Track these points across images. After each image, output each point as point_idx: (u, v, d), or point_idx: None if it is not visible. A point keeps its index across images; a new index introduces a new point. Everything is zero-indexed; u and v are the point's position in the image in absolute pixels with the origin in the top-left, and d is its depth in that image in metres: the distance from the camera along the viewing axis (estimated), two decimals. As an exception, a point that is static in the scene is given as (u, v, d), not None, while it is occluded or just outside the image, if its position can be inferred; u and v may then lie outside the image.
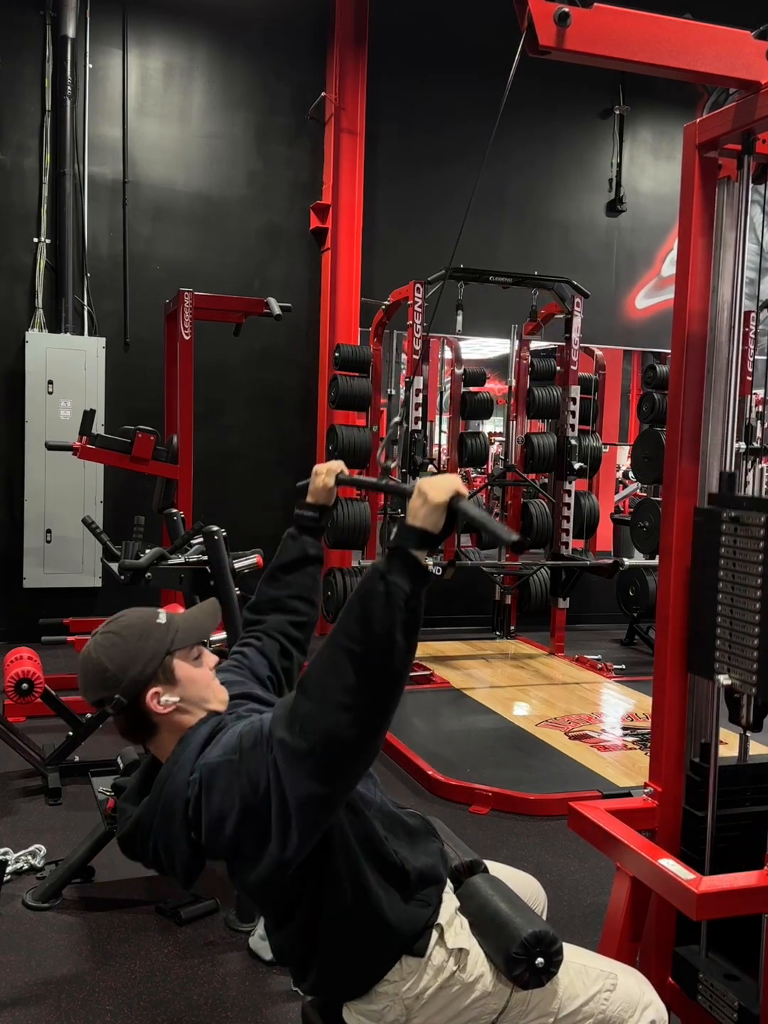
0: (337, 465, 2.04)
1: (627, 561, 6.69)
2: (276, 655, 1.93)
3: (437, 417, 8.38)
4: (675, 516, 2.23)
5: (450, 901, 1.74)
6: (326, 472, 2.02)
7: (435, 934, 1.68)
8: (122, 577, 3.83)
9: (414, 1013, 1.65)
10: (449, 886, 1.78)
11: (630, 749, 4.73)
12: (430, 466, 7.43)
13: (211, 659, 1.71)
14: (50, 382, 6.70)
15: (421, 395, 6.21)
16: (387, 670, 1.40)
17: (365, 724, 1.41)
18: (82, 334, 6.90)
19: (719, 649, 2.11)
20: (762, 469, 2.10)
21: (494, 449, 8.95)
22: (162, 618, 1.67)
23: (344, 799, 1.53)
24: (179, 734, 1.62)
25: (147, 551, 3.77)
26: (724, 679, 2.08)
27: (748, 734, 2.33)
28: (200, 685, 1.66)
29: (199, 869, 1.60)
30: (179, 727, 1.63)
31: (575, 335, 6.62)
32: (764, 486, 2.23)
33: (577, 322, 6.59)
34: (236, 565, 3.61)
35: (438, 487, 1.45)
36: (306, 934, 1.62)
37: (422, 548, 1.44)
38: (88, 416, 5.44)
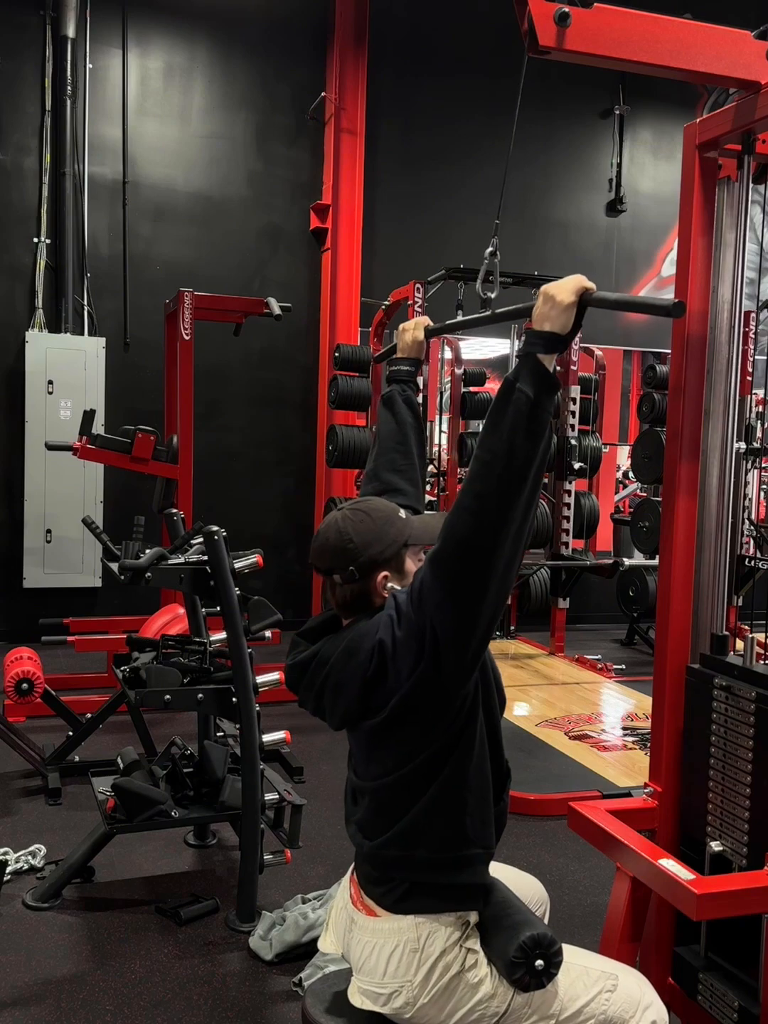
0: (424, 319, 2.14)
1: (627, 561, 6.69)
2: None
3: (437, 417, 8.38)
4: (675, 516, 2.23)
5: (476, 912, 1.75)
6: (414, 327, 2.13)
7: (461, 931, 1.69)
8: (122, 577, 3.82)
9: (418, 1005, 1.66)
10: None
11: (630, 749, 4.73)
12: (430, 466, 7.44)
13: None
14: (50, 382, 6.70)
15: (421, 395, 6.21)
16: (509, 475, 1.45)
17: (489, 528, 1.46)
18: (82, 334, 6.90)
19: (711, 815, 2.11)
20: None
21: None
22: (403, 513, 1.75)
23: (482, 621, 1.55)
24: None
25: (147, 551, 3.77)
26: (716, 845, 2.09)
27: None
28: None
29: (358, 719, 1.66)
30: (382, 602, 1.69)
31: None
32: (763, 487, 2.21)
33: (577, 322, 6.59)
34: (236, 565, 3.60)
35: (565, 288, 1.48)
36: (415, 787, 1.66)
37: (552, 351, 1.48)
38: (88, 416, 5.44)
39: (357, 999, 1.69)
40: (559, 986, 1.69)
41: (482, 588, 1.51)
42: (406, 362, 2.14)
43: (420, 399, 2.15)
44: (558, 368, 6.80)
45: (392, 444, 2.08)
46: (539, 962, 1.62)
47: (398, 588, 1.69)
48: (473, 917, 1.72)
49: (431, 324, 2.10)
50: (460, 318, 2.02)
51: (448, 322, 2.16)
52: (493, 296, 1.88)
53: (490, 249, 2.05)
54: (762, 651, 5.79)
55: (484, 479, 1.47)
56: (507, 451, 1.45)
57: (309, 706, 1.74)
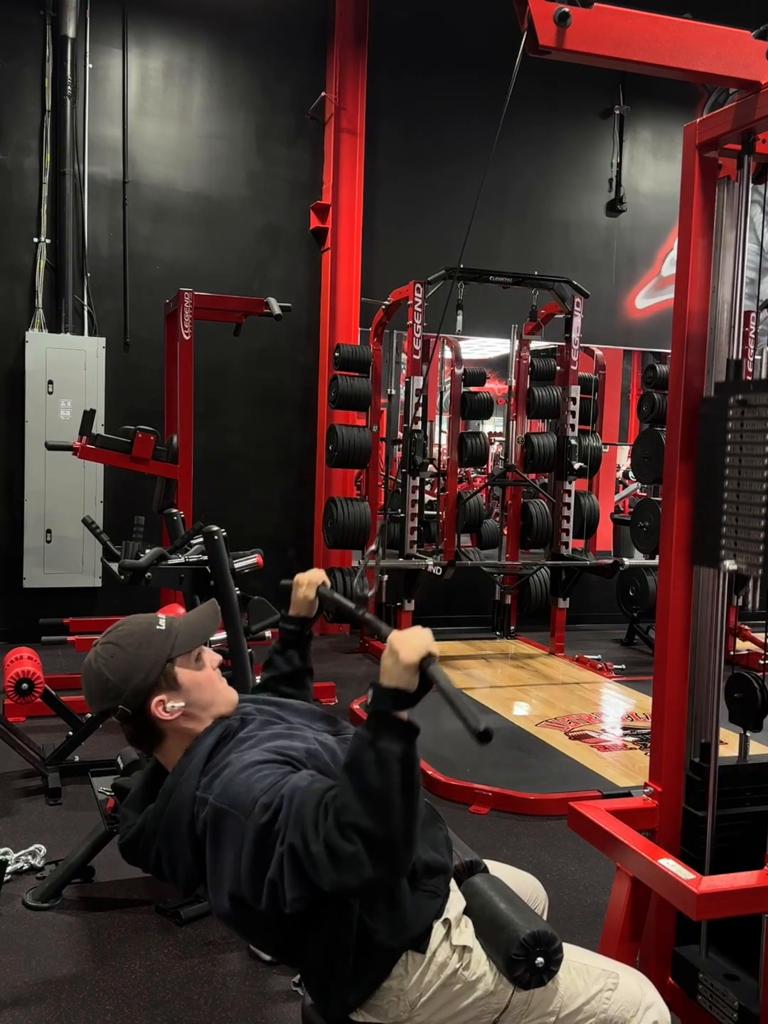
0: (319, 576, 2.01)
1: (627, 561, 6.69)
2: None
3: (437, 417, 8.39)
4: (675, 516, 2.23)
5: (459, 899, 1.74)
6: (307, 585, 1.99)
7: (443, 930, 1.67)
8: (122, 577, 3.83)
9: (416, 1009, 1.65)
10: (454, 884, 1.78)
11: (630, 749, 4.73)
12: (430, 466, 7.44)
13: (213, 658, 1.71)
14: (50, 382, 6.70)
15: (421, 395, 6.21)
16: (392, 835, 1.38)
17: (375, 880, 1.40)
18: (82, 334, 6.90)
19: (725, 536, 2.10)
20: None
21: (494, 449, 8.96)
22: (161, 624, 1.66)
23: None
24: (186, 741, 1.62)
25: (147, 551, 3.77)
26: (730, 564, 2.08)
27: (748, 734, 2.33)
28: (205, 688, 1.65)
29: (200, 880, 1.61)
30: (186, 734, 1.63)
31: (575, 335, 6.62)
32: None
33: (577, 322, 6.60)
34: (236, 565, 3.61)
35: (410, 646, 1.42)
36: (309, 943, 1.61)
37: (401, 708, 1.42)
38: (88, 416, 5.44)
39: (357, 1014, 1.69)
40: (559, 984, 1.69)
41: (346, 891, 1.45)
42: (292, 622, 2.02)
43: (306, 662, 2.03)
44: (558, 368, 6.81)
45: (259, 691, 2.02)
46: (539, 959, 1.62)
47: (179, 705, 1.61)
48: (452, 911, 1.70)
49: (326, 584, 1.99)
50: (342, 600, 1.94)
51: (335, 597, 1.97)
52: (369, 594, 1.82)
53: (372, 548, 1.95)
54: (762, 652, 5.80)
55: (367, 843, 1.37)
56: (386, 812, 1.37)
57: (160, 878, 1.67)
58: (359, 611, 1.82)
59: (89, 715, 4.23)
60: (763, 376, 2.00)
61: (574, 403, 6.64)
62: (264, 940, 1.68)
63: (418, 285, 6.13)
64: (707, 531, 2.17)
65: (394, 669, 1.43)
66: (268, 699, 1.82)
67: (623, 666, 6.45)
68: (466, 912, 1.73)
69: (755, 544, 2.01)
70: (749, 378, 2.13)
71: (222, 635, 3.52)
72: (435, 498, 7.94)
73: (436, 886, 1.68)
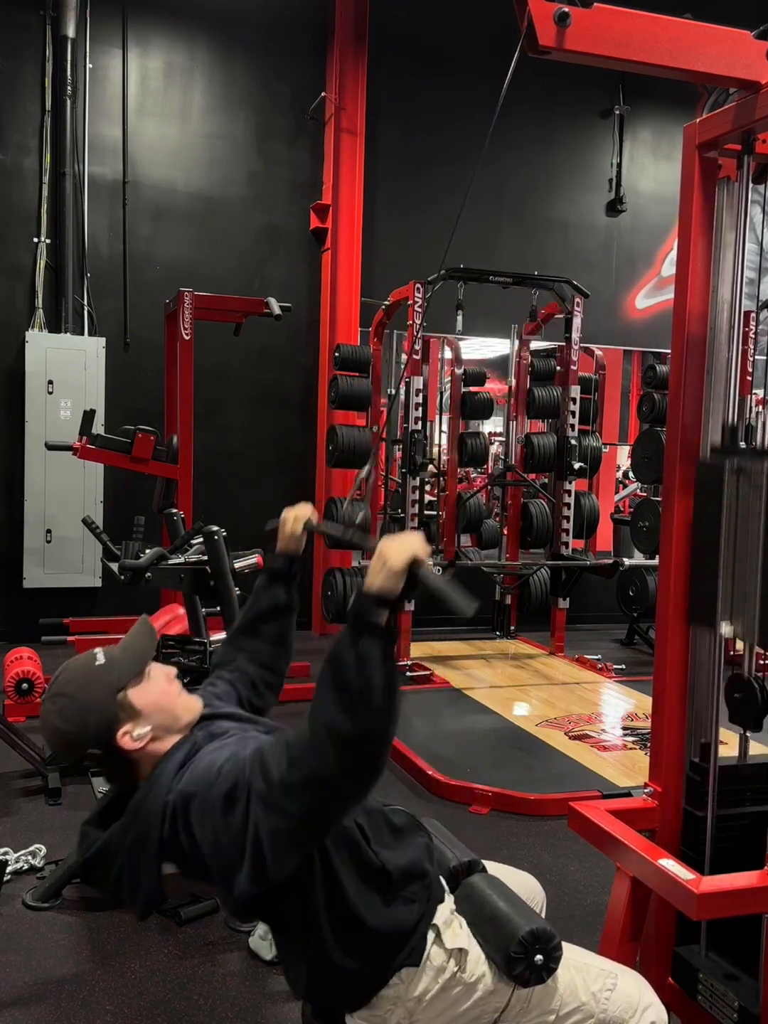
0: (305, 510, 2.00)
1: (627, 561, 6.69)
2: (245, 688, 1.91)
3: (437, 417, 8.38)
4: (675, 516, 2.23)
5: (447, 903, 1.73)
6: (293, 519, 1.99)
7: (432, 935, 1.67)
8: (122, 577, 3.83)
9: (416, 1015, 1.65)
10: (444, 886, 1.77)
11: (630, 749, 4.73)
12: (430, 466, 7.44)
13: (164, 670, 1.68)
14: (50, 382, 6.70)
15: (421, 395, 6.21)
16: (369, 736, 1.37)
17: (347, 789, 1.40)
18: (82, 334, 6.90)
19: (722, 599, 2.10)
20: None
21: (494, 449, 8.95)
22: (100, 659, 1.63)
23: (318, 844, 1.52)
24: (156, 763, 1.61)
25: (147, 551, 3.77)
26: (726, 629, 2.09)
27: (748, 734, 2.33)
28: (164, 705, 1.63)
29: (161, 902, 1.58)
30: (157, 755, 1.61)
31: (575, 335, 6.62)
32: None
33: (577, 322, 6.59)
34: (236, 565, 3.61)
35: (398, 550, 1.42)
36: (297, 942, 1.62)
37: (383, 611, 1.41)
38: (88, 416, 5.44)
39: (356, 1022, 1.69)
40: (559, 982, 1.69)
41: (324, 829, 1.47)
42: (281, 558, 2.02)
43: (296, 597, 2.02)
44: (558, 368, 6.81)
45: (241, 628, 2.01)
46: (539, 957, 1.62)
47: (145, 730, 1.59)
48: (439, 917, 1.69)
49: (314, 520, 1.98)
50: (332, 528, 1.93)
51: (325, 525, 1.99)
52: (359, 520, 1.81)
53: (364, 473, 1.96)
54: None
55: (340, 742, 1.36)
56: (364, 712, 1.36)
57: (116, 899, 1.66)
58: (348, 533, 1.82)
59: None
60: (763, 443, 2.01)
61: (574, 403, 6.64)
62: (264, 911, 1.65)
63: (418, 285, 6.13)
64: (703, 592, 2.17)
65: (382, 572, 1.42)
66: (236, 714, 1.80)
67: (623, 666, 6.45)
68: (464, 912, 1.73)
69: (750, 611, 2.02)
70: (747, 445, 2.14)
71: (221, 635, 3.52)
72: (435, 498, 7.93)
73: (413, 892, 1.66)
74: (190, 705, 1.68)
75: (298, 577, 2.05)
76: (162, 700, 1.63)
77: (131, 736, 1.59)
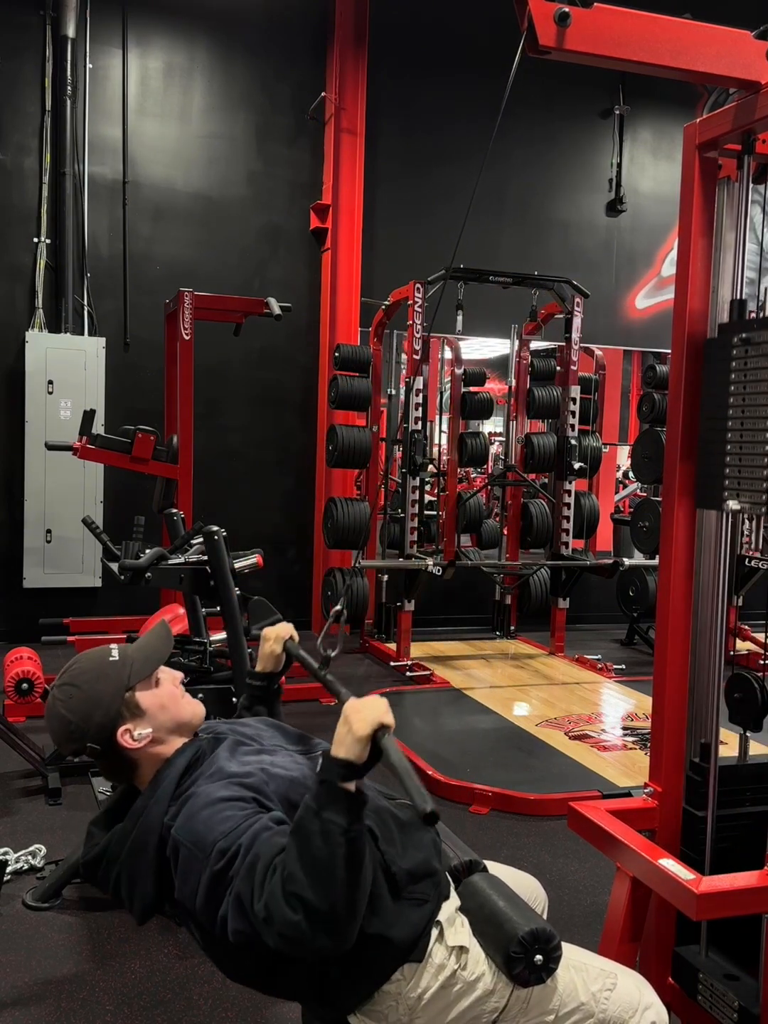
0: (286, 630, 1.99)
1: (627, 561, 6.69)
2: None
3: (437, 417, 8.39)
4: (675, 517, 2.23)
5: (451, 900, 1.74)
6: (274, 639, 1.98)
7: (435, 932, 1.67)
8: (122, 577, 3.83)
9: (417, 1013, 1.65)
10: (450, 882, 1.77)
11: (630, 749, 4.73)
12: (430, 466, 7.45)
13: (172, 675, 1.69)
14: (50, 382, 6.70)
15: (421, 395, 6.21)
16: (334, 909, 1.36)
17: (315, 950, 1.39)
18: (82, 334, 6.90)
19: (728, 477, 2.10)
20: None
21: (494, 449, 8.95)
22: (114, 655, 1.65)
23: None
24: (158, 765, 1.61)
25: (147, 551, 3.77)
26: (733, 504, 2.08)
27: (748, 734, 2.33)
28: (168, 709, 1.64)
29: (156, 910, 1.60)
30: (158, 758, 1.61)
31: (575, 335, 6.62)
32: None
33: (577, 322, 6.60)
34: (236, 565, 3.60)
35: (363, 718, 1.41)
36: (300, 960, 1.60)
37: (348, 780, 1.40)
38: (88, 416, 5.44)
39: (357, 1019, 1.68)
40: (558, 982, 1.69)
41: (293, 954, 1.45)
42: (259, 677, 2.00)
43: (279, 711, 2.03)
44: (558, 368, 6.81)
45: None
46: (538, 957, 1.62)
47: (146, 731, 1.60)
48: (443, 914, 1.69)
49: (294, 638, 1.98)
50: (307, 658, 1.92)
51: (300, 655, 2.00)
52: (333, 654, 1.81)
53: (338, 607, 1.95)
54: (761, 651, 5.80)
55: (308, 915, 1.35)
56: (328, 885, 1.36)
57: (116, 899, 1.66)
58: (321, 671, 1.82)
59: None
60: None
61: (574, 403, 6.65)
62: (237, 968, 1.66)
63: (418, 285, 6.13)
64: (710, 473, 2.16)
65: (347, 739, 1.41)
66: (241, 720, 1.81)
67: (623, 666, 6.45)
68: (465, 911, 1.73)
69: (758, 484, 2.01)
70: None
71: (221, 635, 3.52)
72: (435, 498, 7.94)
73: (423, 892, 1.67)
74: (194, 710, 1.69)
75: (281, 693, 2.05)
76: (167, 703, 1.64)
77: (132, 735, 1.59)
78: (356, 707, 1.44)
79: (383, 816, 1.70)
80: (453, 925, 1.69)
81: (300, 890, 1.36)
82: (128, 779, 1.64)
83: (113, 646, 1.68)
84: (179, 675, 1.71)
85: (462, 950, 1.67)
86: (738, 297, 2.19)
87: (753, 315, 6.29)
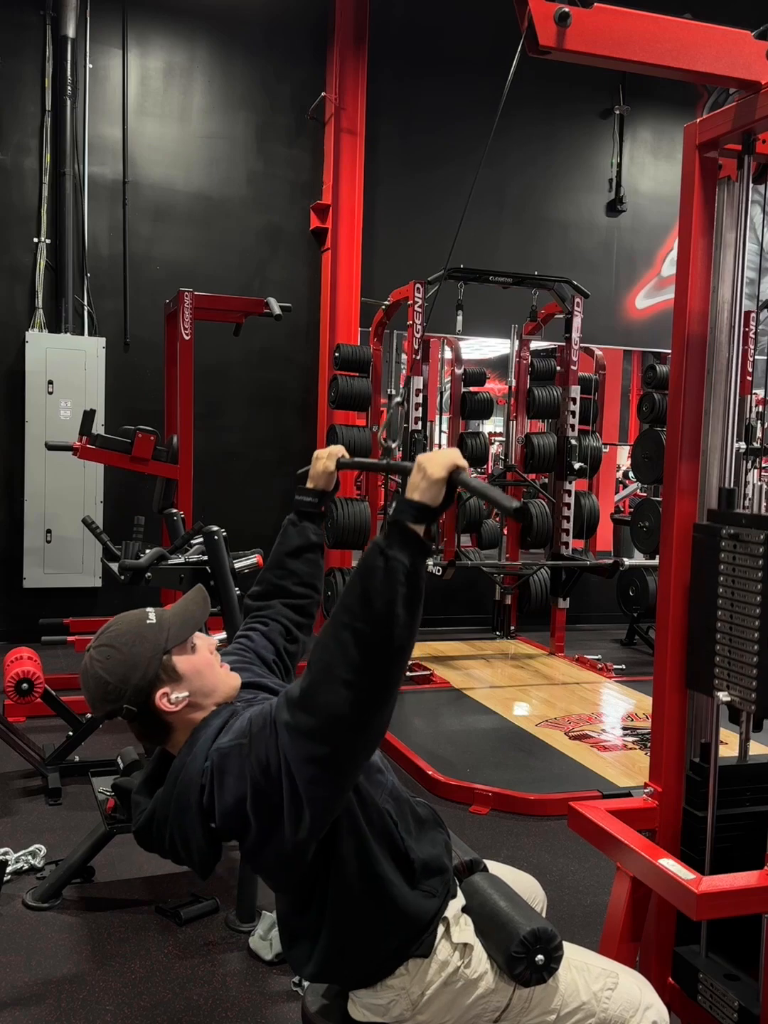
0: (338, 449, 2.05)
1: (627, 561, 6.69)
2: (281, 638, 1.94)
3: (437, 417, 8.38)
4: (675, 518, 2.23)
5: (458, 898, 1.74)
6: (327, 456, 2.03)
7: (441, 928, 1.68)
8: (122, 577, 3.83)
9: (419, 1008, 1.65)
10: (457, 882, 1.78)
11: (630, 749, 4.73)
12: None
13: (207, 641, 1.70)
14: (50, 382, 6.70)
15: (421, 395, 6.21)
16: (389, 645, 1.39)
17: (367, 701, 1.41)
18: (82, 334, 6.90)
19: (718, 666, 2.10)
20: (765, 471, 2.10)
21: (494, 449, 8.95)
22: (152, 618, 1.66)
23: (353, 779, 1.52)
24: (192, 729, 1.63)
25: (147, 551, 3.77)
26: (723, 695, 2.08)
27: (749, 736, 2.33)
28: (205, 675, 1.65)
29: (216, 859, 1.60)
30: (192, 723, 1.63)
31: (575, 335, 6.62)
32: (765, 489, 2.21)
33: (577, 322, 6.59)
34: (236, 565, 3.60)
35: (437, 462, 1.46)
36: (320, 918, 1.62)
37: (420, 522, 1.44)
38: (88, 416, 5.44)
39: (358, 1013, 1.69)
40: (560, 982, 1.70)
41: (355, 756, 1.46)
42: (310, 494, 2.04)
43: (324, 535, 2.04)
44: (558, 368, 6.81)
45: (271, 567, 2.03)
46: (540, 957, 1.62)
47: (183, 695, 1.61)
48: (451, 910, 1.71)
49: (345, 457, 2.04)
50: (364, 460, 1.98)
51: (357, 459, 2.07)
52: (395, 445, 1.84)
53: (398, 399, 1.99)
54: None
55: (362, 652, 1.38)
56: (387, 621, 1.38)
57: (176, 861, 1.67)
58: (383, 460, 1.85)
59: (89, 715, 4.23)
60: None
61: (574, 403, 6.64)
62: (296, 880, 1.64)
63: (418, 285, 6.13)
64: (700, 659, 2.17)
65: (421, 484, 1.45)
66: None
67: (623, 666, 6.45)
68: (466, 910, 1.74)
69: (748, 680, 2.01)
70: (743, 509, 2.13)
71: (222, 635, 3.52)
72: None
73: (433, 887, 1.68)
74: (231, 681, 1.70)
75: (329, 517, 2.08)
76: (204, 668, 1.65)
77: (169, 699, 1.60)
78: (430, 455, 1.48)
79: (403, 806, 1.71)
80: (459, 923, 1.70)
81: (354, 620, 1.39)
82: (161, 742, 1.66)
83: (150, 609, 1.69)
84: (214, 641, 1.72)
85: (467, 947, 1.68)
86: (726, 486, 2.20)
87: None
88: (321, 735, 1.41)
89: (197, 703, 1.63)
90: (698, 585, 2.19)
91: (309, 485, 2.05)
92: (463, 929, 1.70)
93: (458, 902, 1.73)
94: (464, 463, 1.47)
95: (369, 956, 1.64)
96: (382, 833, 1.63)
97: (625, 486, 10.56)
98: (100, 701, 1.62)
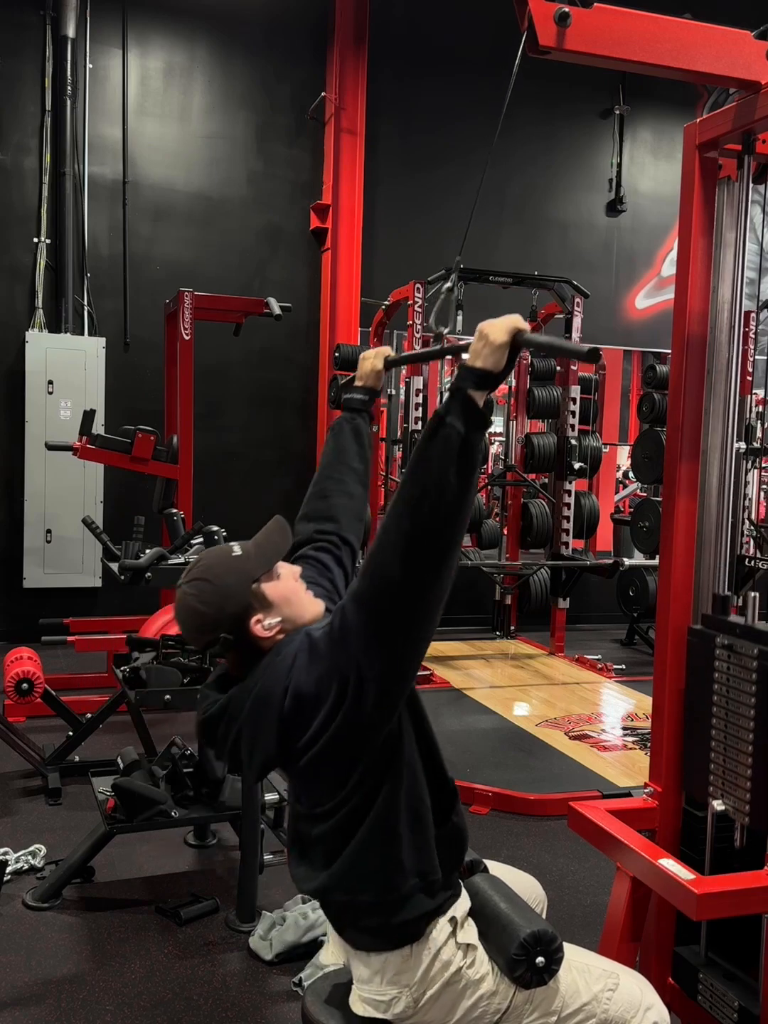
0: (385, 348, 2.08)
1: (627, 561, 6.69)
2: (349, 560, 1.97)
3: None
4: (675, 516, 2.23)
5: (465, 898, 1.74)
6: (375, 355, 2.06)
7: (449, 928, 1.68)
8: (122, 577, 3.83)
9: (420, 1006, 1.65)
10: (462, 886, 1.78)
11: (630, 749, 4.73)
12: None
13: (291, 569, 1.73)
14: (50, 382, 6.70)
15: (421, 395, 6.21)
16: (439, 512, 1.41)
17: (417, 566, 1.43)
18: (82, 334, 6.90)
19: (713, 773, 2.10)
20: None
21: (494, 449, 8.95)
22: (238, 550, 1.70)
23: (406, 656, 1.53)
24: None
25: (147, 551, 3.78)
26: (718, 804, 2.07)
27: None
28: (293, 601, 1.68)
29: (275, 765, 1.63)
30: None
31: (575, 335, 6.62)
32: (763, 487, 2.20)
33: (577, 322, 6.59)
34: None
35: (500, 327, 1.47)
36: (352, 823, 1.62)
37: (481, 388, 1.45)
38: (88, 416, 5.44)
39: (359, 1007, 1.69)
40: (561, 983, 1.69)
41: (412, 627, 1.50)
42: (360, 391, 2.07)
43: (373, 429, 2.05)
44: (558, 368, 6.81)
45: (326, 471, 2.04)
46: (540, 959, 1.62)
47: (276, 621, 1.64)
48: (459, 910, 1.71)
49: (392, 355, 2.06)
50: (416, 352, 1.98)
51: (406, 353, 2.10)
52: (447, 330, 1.84)
53: (448, 284, 2.00)
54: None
55: (414, 517, 1.42)
56: (438, 487, 1.41)
57: (224, 759, 1.70)
58: (435, 346, 1.86)
59: (89, 715, 4.23)
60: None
61: (574, 403, 6.64)
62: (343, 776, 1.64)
63: (418, 285, 6.13)
64: (695, 764, 2.16)
65: (484, 351, 1.47)
66: None
67: (623, 666, 6.45)
68: (468, 911, 1.74)
69: (742, 791, 2.00)
70: (736, 614, 2.13)
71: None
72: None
73: (452, 848, 1.70)
74: (314, 607, 1.72)
75: (374, 417, 2.09)
76: (291, 595, 1.68)
77: (263, 625, 1.64)
78: (490, 322, 1.49)
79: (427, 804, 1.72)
80: (465, 924, 1.71)
81: (411, 487, 1.42)
82: (255, 666, 1.66)
83: (234, 543, 1.73)
84: (298, 570, 1.75)
85: (470, 947, 1.68)
86: (721, 593, 2.19)
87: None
88: (374, 599, 1.46)
89: (288, 629, 1.66)
90: (693, 689, 2.19)
91: (357, 383, 2.08)
92: (468, 930, 1.71)
93: (464, 904, 1.73)
94: (525, 325, 1.48)
95: (382, 883, 1.63)
96: (431, 762, 1.68)
97: (625, 486, 10.56)
98: (198, 631, 1.66)
